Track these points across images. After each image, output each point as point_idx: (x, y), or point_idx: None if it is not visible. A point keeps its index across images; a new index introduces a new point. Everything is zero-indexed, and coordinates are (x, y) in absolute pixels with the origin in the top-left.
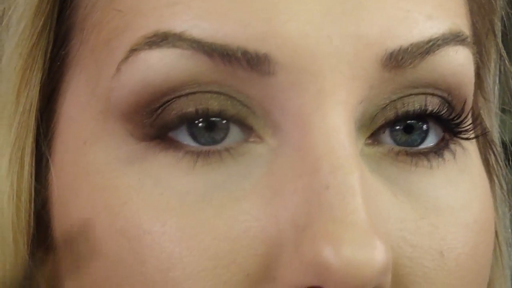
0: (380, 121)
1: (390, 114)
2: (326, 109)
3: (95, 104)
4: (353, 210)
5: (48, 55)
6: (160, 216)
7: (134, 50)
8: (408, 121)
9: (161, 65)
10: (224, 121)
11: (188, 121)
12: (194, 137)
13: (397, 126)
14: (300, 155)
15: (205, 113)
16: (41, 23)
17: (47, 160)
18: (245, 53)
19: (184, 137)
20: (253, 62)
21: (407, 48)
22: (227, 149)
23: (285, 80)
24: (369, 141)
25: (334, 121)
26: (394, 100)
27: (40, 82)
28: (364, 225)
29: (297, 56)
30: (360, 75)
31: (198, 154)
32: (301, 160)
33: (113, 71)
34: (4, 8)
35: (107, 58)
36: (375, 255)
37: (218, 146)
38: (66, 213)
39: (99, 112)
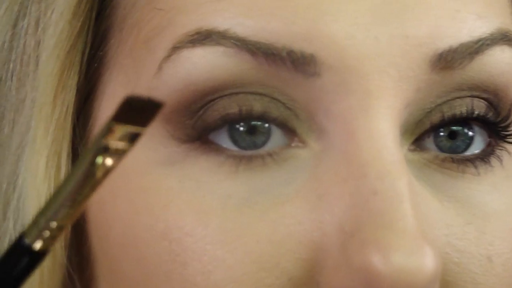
0: (425, 126)
1: (435, 118)
2: (372, 113)
3: None
4: (402, 216)
5: (86, 56)
6: (202, 219)
7: (176, 48)
8: (453, 127)
9: (204, 63)
10: (266, 125)
11: (230, 121)
12: (235, 141)
13: (441, 132)
14: (346, 160)
15: (249, 114)
16: (79, 24)
17: None
18: (290, 52)
19: (225, 140)
20: (298, 62)
21: (457, 48)
22: (270, 154)
23: (331, 82)
24: (412, 147)
25: (380, 125)
26: (440, 104)
27: (77, 84)
28: (414, 232)
29: (343, 57)
30: (407, 77)
31: (240, 159)
32: (347, 165)
33: (153, 70)
34: (41, 10)
35: (147, 57)
36: (425, 262)
37: (260, 151)
38: (103, 215)
39: None
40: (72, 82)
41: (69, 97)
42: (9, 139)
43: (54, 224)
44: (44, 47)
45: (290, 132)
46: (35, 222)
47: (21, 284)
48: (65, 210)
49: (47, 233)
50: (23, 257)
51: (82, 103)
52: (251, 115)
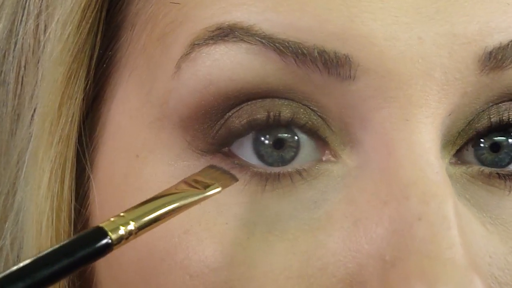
0: (468, 135)
1: (480, 125)
2: (414, 123)
3: (149, 110)
4: (449, 245)
5: (94, 59)
6: (225, 251)
7: (195, 45)
8: (495, 137)
9: (226, 61)
10: (296, 138)
11: (258, 128)
12: (261, 156)
13: (482, 143)
14: (385, 179)
15: (276, 120)
16: (88, 25)
17: (89, 175)
18: (322, 53)
19: (249, 154)
20: (331, 64)
21: (507, 45)
22: (298, 172)
23: (368, 87)
24: (454, 160)
25: (423, 138)
26: (486, 109)
27: (84, 89)
28: (462, 262)
29: (382, 59)
30: (454, 79)
31: (267, 178)
32: (386, 185)
33: (171, 70)
34: (42, 8)
35: (163, 55)
36: None
37: (289, 167)
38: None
39: (154, 120)
40: (79, 89)
41: (75, 105)
42: (7, 149)
43: (132, 226)
44: (47, 52)
45: (321, 143)
46: (120, 216)
47: (79, 265)
48: (150, 218)
49: (122, 229)
50: (94, 240)
51: (89, 107)
52: (279, 121)
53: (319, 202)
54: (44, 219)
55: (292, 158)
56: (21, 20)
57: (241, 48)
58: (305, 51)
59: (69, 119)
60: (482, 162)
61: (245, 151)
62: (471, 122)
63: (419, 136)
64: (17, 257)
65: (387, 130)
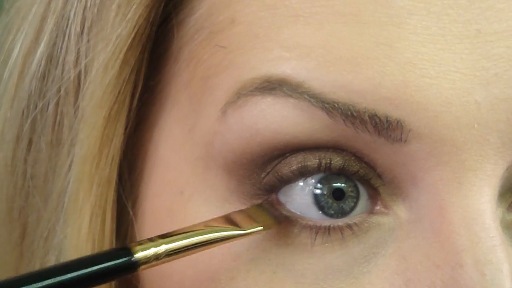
0: None
1: None
2: (468, 187)
3: (193, 147)
4: None
5: (136, 96)
6: None
7: (242, 94)
8: None
9: (273, 112)
10: (355, 187)
11: (308, 175)
12: (321, 208)
13: None
14: (439, 242)
15: (328, 167)
16: (130, 68)
17: (131, 215)
18: (373, 116)
19: (305, 206)
20: (381, 127)
21: None
22: (349, 226)
23: (420, 150)
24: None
25: (478, 201)
26: None
27: (125, 129)
28: None
29: (436, 125)
30: (510, 142)
31: (317, 231)
32: (439, 248)
33: (215, 113)
34: (82, 45)
35: (207, 97)
36: None
37: (339, 222)
38: (159, 276)
39: (198, 158)
40: (120, 129)
41: (116, 146)
42: (43, 188)
43: (163, 249)
44: (88, 94)
45: (373, 192)
46: (152, 239)
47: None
48: (182, 245)
49: (152, 251)
50: (119, 256)
51: (130, 135)
52: (330, 169)
53: (369, 256)
54: None
55: (352, 209)
56: (61, 47)
57: (288, 102)
58: (355, 114)
59: (110, 160)
60: None
61: (300, 201)
62: None
63: (473, 200)
64: None
65: (439, 191)
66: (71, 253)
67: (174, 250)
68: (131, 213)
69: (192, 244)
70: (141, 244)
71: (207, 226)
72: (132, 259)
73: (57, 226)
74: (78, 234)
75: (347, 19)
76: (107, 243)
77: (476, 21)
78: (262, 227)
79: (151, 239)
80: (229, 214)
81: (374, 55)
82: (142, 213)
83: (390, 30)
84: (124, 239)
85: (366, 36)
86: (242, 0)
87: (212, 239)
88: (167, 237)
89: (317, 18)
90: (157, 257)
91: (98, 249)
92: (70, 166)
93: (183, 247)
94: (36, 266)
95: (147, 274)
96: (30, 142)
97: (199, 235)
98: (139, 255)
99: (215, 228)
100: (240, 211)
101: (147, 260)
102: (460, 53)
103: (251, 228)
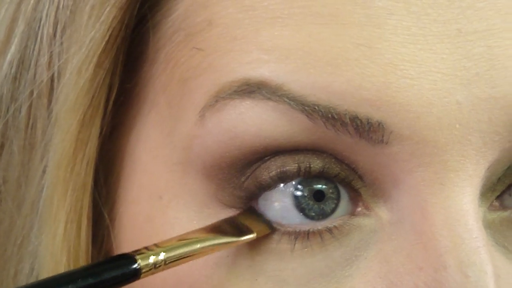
0: (507, 181)
1: None
2: (450, 187)
3: (171, 151)
4: None
5: (111, 99)
6: None
7: (220, 98)
8: None
9: (252, 116)
10: (336, 189)
11: (287, 180)
12: (302, 210)
13: None
14: (421, 243)
15: (307, 171)
16: (104, 71)
17: (107, 221)
18: (354, 118)
19: (286, 211)
20: (363, 129)
21: None
22: (329, 230)
23: (401, 151)
24: (496, 204)
25: (460, 202)
26: None
27: (100, 133)
28: None
29: (418, 126)
30: (492, 142)
31: (296, 236)
32: (422, 250)
33: (194, 117)
34: (55, 48)
35: (185, 100)
36: None
37: (319, 225)
38: (140, 286)
39: (176, 163)
40: (94, 134)
41: (91, 150)
42: (16, 194)
43: (163, 256)
44: (62, 98)
45: (354, 194)
46: (149, 248)
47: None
48: (181, 253)
49: (152, 258)
50: (121, 263)
51: (106, 138)
52: (309, 173)
53: (351, 259)
54: (61, 270)
55: (333, 210)
56: (33, 49)
57: (267, 105)
58: (335, 116)
59: (85, 165)
60: None
61: (280, 205)
62: (510, 167)
63: (455, 200)
64: None
65: (421, 192)
66: (47, 260)
67: (173, 257)
68: (107, 218)
69: (191, 251)
70: (141, 253)
71: (204, 232)
72: (137, 267)
73: (31, 233)
74: (53, 241)
75: (326, 20)
76: (83, 250)
77: (456, 20)
78: (255, 234)
79: (148, 248)
80: (221, 221)
81: (354, 57)
82: (119, 218)
83: (370, 30)
84: (101, 246)
85: (345, 37)
86: (220, 1)
87: (209, 246)
88: (165, 245)
89: (295, 19)
90: (158, 264)
91: (73, 256)
92: (44, 171)
93: (182, 255)
94: (10, 273)
95: (128, 286)
96: (2, 146)
97: (197, 243)
98: (143, 263)
99: (210, 236)
100: (233, 217)
101: (149, 269)
102: (440, 53)
103: (246, 235)
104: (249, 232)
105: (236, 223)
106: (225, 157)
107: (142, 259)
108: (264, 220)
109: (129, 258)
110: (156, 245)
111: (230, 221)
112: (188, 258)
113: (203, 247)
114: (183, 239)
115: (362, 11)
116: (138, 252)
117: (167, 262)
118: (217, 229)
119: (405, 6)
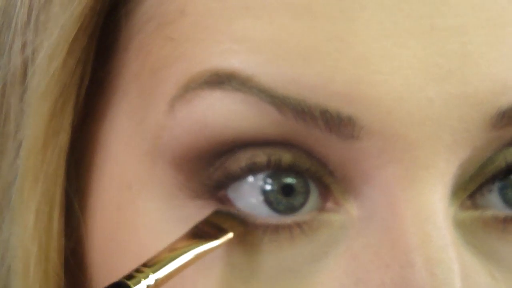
0: (480, 179)
1: (494, 167)
2: (421, 184)
3: (141, 141)
4: None
5: (84, 87)
6: None
7: (190, 88)
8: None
9: (221, 107)
10: (306, 183)
11: (257, 171)
12: (269, 203)
13: (496, 185)
14: (389, 241)
15: (278, 164)
16: (76, 58)
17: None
18: (324, 112)
19: (253, 203)
20: (333, 123)
21: None
22: (298, 224)
23: (372, 147)
24: (467, 203)
25: (430, 199)
26: (500, 152)
27: (72, 122)
28: None
29: (388, 122)
30: (462, 139)
31: (265, 229)
32: (390, 248)
33: (163, 107)
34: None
35: (156, 89)
36: None
37: (288, 220)
38: (106, 267)
39: (146, 153)
40: (66, 122)
41: (62, 139)
42: None
43: (152, 279)
44: (34, 85)
45: (323, 190)
46: (139, 269)
47: None
48: (170, 272)
49: (143, 282)
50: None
51: (77, 126)
52: (280, 166)
53: (319, 255)
54: (32, 260)
55: (302, 205)
56: (8, 36)
57: (237, 97)
58: (306, 109)
59: (56, 155)
60: (496, 206)
61: (249, 198)
62: (482, 166)
63: (425, 197)
64: None
65: (391, 188)
66: (18, 251)
67: (163, 276)
68: (77, 208)
69: (178, 268)
70: (132, 277)
71: (184, 242)
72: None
73: (2, 223)
74: (24, 231)
75: (298, 12)
76: (55, 241)
77: (430, 16)
78: (232, 233)
79: (137, 270)
80: (196, 226)
81: (326, 50)
82: (90, 208)
83: (342, 24)
84: (71, 236)
85: (317, 30)
86: None
87: (195, 256)
88: (152, 265)
89: (267, 11)
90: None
91: (45, 246)
92: (15, 160)
93: (171, 273)
94: None
95: None
96: None
97: (183, 254)
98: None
99: (193, 244)
100: (205, 220)
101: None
102: (413, 49)
103: (222, 237)
104: (225, 231)
105: (212, 223)
106: (194, 148)
107: (134, 284)
108: (235, 217)
109: (124, 286)
110: (145, 265)
111: (206, 223)
112: (176, 271)
113: (190, 260)
114: (171, 251)
115: (335, 5)
116: (130, 277)
117: (157, 282)
118: (198, 234)
119: (378, 1)
